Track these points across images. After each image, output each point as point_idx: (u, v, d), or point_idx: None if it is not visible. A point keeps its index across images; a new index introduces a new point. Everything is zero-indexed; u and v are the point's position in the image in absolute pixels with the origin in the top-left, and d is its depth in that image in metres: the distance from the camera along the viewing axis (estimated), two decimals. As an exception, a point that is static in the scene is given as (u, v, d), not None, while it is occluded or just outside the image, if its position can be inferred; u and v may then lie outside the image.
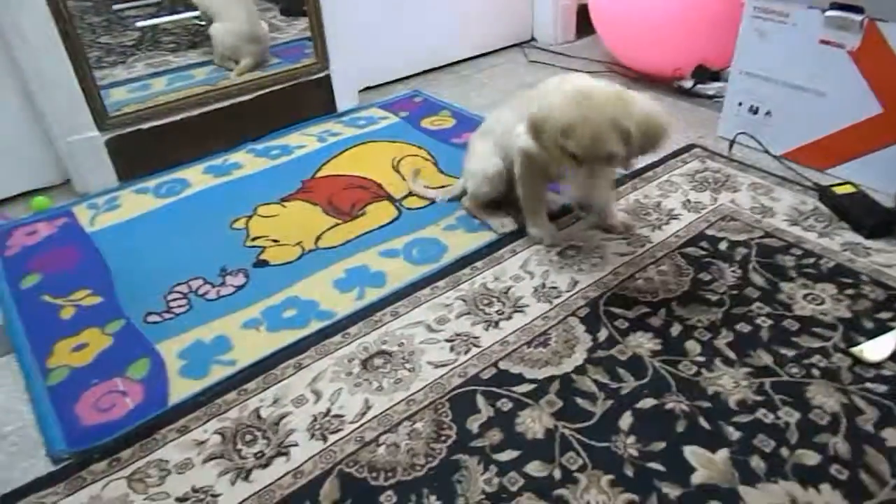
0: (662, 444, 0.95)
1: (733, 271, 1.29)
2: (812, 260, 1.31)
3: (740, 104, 1.77)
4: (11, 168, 1.69)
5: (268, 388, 1.09)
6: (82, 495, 0.93)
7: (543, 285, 1.29)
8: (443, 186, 1.63)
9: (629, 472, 0.92)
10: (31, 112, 1.65)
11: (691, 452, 0.94)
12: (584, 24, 2.59)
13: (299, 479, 0.93)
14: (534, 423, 1.00)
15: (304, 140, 1.94)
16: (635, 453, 0.94)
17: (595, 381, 1.06)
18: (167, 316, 1.27)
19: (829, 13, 1.50)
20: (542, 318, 1.21)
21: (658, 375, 1.07)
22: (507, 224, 1.46)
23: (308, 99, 2.04)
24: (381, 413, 1.03)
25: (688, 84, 2.13)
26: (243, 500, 0.91)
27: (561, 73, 1.27)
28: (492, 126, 1.47)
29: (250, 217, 1.58)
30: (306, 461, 0.96)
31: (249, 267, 1.40)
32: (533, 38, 2.73)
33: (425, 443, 0.98)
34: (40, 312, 1.29)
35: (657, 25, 2.04)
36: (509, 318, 1.21)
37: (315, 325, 1.22)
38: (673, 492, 0.89)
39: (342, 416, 1.03)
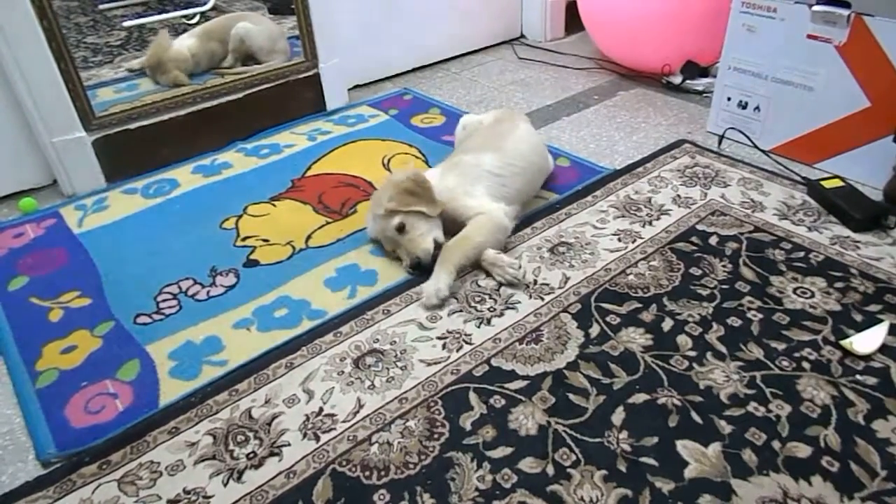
0: (655, 439, 0.95)
1: (724, 266, 1.30)
2: (801, 254, 1.32)
3: (729, 99, 1.77)
4: (-3, 169, 1.68)
5: (259, 388, 1.08)
6: (72, 499, 0.92)
7: (535, 282, 1.29)
8: None
9: (622, 467, 0.92)
10: (16, 112, 1.63)
11: (683, 446, 0.94)
12: (573, 21, 2.60)
13: (292, 479, 0.93)
14: (527, 419, 1.00)
15: (293, 139, 1.93)
16: (628, 448, 0.94)
17: (587, 377, 1.06)
18: (157, 317, 1.26)
19: (816, 8, 1.51)
20: (533, 314, 1.20)
21: (650, 370, 1.07)
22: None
23: (297, 97, 2.03)
24: (373, 412, 1.03)
25: (677, 80, 2.14)
26: (236, 501, 0.90)
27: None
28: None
29: (240, 217, 1.57)
30: (299, 461, 0.95)
31: (240, 267, 1.39)
32: (522, 35, 2.73)
33: (418, 441, 0.97)
34: (28, 315, 1.28)
35: (646, 21, 2.05)
36: (501, 315, 1.21)
37: (306, 325, 1.22)
38: (666, 486, 0.89)
39: (334, 415, 1.02)
